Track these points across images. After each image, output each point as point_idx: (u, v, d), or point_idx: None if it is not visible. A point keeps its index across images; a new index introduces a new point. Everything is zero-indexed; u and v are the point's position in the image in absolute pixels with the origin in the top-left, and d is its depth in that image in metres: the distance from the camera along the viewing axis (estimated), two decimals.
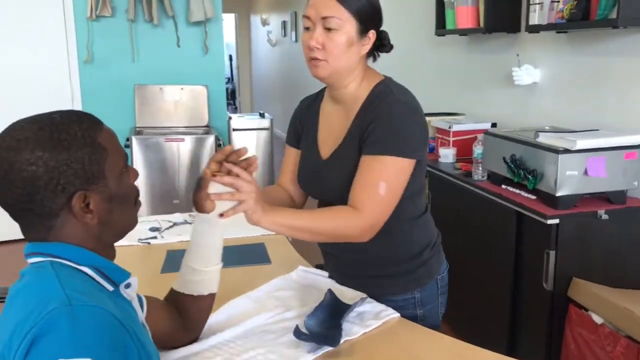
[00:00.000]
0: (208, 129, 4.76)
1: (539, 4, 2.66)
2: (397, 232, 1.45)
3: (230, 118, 5.27)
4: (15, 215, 0.93)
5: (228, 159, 1.20)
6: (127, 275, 0.99)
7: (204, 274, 1.22)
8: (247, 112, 11.26)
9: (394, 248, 1.49)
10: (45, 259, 0.92)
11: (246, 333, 1.34)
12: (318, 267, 1.81)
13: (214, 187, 1.18)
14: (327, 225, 1.33)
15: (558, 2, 2.53)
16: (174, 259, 1.88)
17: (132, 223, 1.04)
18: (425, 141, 1.44)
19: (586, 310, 2.16)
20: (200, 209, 1.19)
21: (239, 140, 5.27)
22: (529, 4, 2.72)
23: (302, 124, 1.60)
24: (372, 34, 1.42)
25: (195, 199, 1.19)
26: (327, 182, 1.47)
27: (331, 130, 1.51)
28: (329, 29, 1.36)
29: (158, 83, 4.73)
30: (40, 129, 0.90)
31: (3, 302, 1.91)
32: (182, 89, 4.74)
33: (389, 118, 1.37)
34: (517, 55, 3.02)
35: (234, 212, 1.20)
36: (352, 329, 1.34)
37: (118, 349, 0.82)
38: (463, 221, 2.77)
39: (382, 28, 1.46)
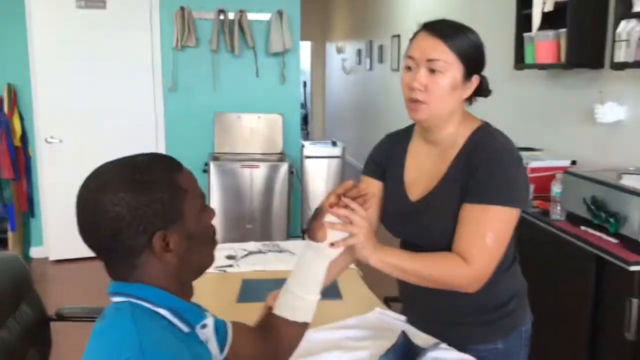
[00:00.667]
0: (282, 156, 4.86)
1: (625, 41, 2.58)
2: (487, 281, 1.40)
3: (303, 146, 5.36)
4: (99, 254, 0.98)
5: (347, 194, 1.23)
6: (203, 316, 1.02)
7: (302, 301, 1.23)
8: (318, 139, 11.41)
9: (481, 297, 1.44)
10: (125, 299, 0.96)
11: None
12: (387, 300, 1.81)
13: (329, 219, 1.22)
14: (436, 272, 1.33)
15: None
16: (249, 288, 1.93)
17: (209, 261, 1.07)
18: (528, 191, 1.41)
19: None
20: (313, 237, 1.22)
21: (311, 168, 5.34)
22: (614, 41, 2.65)
23: (387, 160, 1.58)
24: (475, 79, 1.40)
25: (310, 226, 1.22)
26: (417, 226, 1.46)
27: (421, 172, 1.49)
28: (433, 71, 1.35)
29: (236, 111, 4.89)
30: (122, 171, 0.95)
31: (92, 321, 2.02)
32: (259, 117, 4.88)
33: (497, 166, 1.35)
34: (600, 92, 2.93)
35: (345, 244, 1.22)
36: None
37: None
38: (538, 262, 2.69)
39: None
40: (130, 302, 0.96)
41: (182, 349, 0.92)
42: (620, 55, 2.62)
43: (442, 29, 1.35)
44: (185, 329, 0.99)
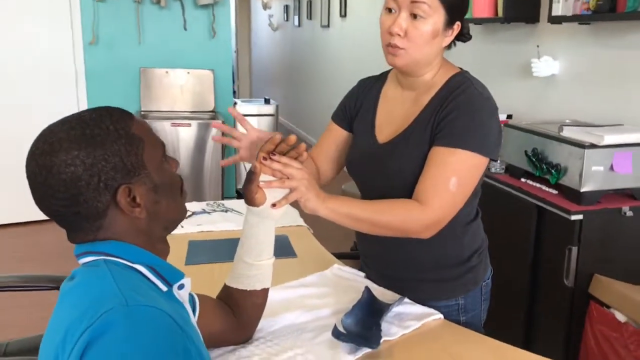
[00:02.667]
0: (214, 115, 4.69)
1: None
2: (448, 235, 1.38)
3: (235, 104, 5.20)
4: (61, 222, 0.90)
5: (277, 149, 1.16)
6: (181, 275, 0.96)
7: (258, 268, 1.19)
8: (245, 97, 11.18)
9: (443, 252, 1.43)
10: (97, 258, 0.89)
11: (282, 330, 1.30)
12: (337, 256, 1.78)
13: (264, 178, 1.15)
14: (389, 217, 1.27)
15: None
16: (196, 250, 1.84)
17: (180, 213, 1.00)
18: (500, 142, 1.35)
19: (608, 307, 2.14)
20: (251, 202, 1.15)
21: (242, 127, 5.20)
22: None
23: (359, 105, 1.52)
24: (457, 26, 1.34)
25: (246, 192, 1.14)
26: (382, 168, 1.39)
27: (393, 116, 1.43)
28: (414, 16, 1.28)
29: (164, 66, 4.66)
30: (71, 129, 0.86)
31: (25, 290, 1.87)
32: (188, 73, 4.67)
33: (471, 111, 1.29)
34: (538, 46, 2.97)
35: (287, 201, 1.16)
36: (391, 330, 1.30)
37: (177, 352, 0.78)
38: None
39: None
40: (104, 259, 0.88)
41: (163, 302, 0.85)
42: (558, 9, 2.65)
43: None
44: (164, 287, 0.92)
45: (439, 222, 1.28)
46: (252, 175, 1.13)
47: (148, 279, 0.90)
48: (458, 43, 1.41)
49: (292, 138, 1.15)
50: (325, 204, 1.20)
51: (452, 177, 1.26)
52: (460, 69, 1.42)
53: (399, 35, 1.29)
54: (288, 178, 1.14)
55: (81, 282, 0.86)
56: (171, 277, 0.94)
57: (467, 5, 1.35)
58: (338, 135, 1.55)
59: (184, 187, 1.02)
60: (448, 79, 1.37)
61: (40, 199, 0.88)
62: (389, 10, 1.31)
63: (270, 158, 1.14)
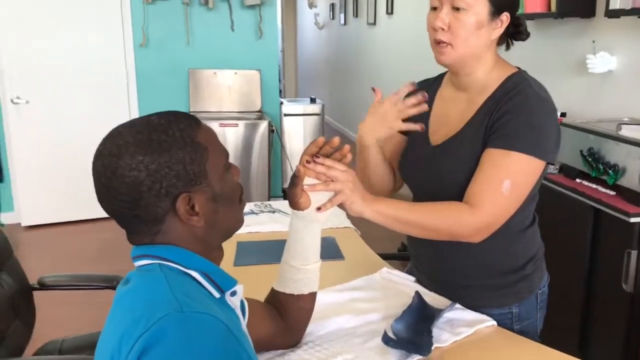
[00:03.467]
0: (261, 114, 4.72)
1: None
2: (502, 241, 1.34)
3: (281, 103, 5.23)
4: (121, 222, 0.91)
5: (321, 152, 1.14)
6: (234, 282, 0.96)
7: (305, 272, 1.18)
8: (291, 97, 11.23)
9: (496, 258, 1.38)
10: (153, 262, 0.89)
11: (330, 335, 1.29)
12: (383, 257, 1.76)
13: (308, 182, 1.13)
14: (438, 221, 1.24)
15: None
16: (245, 251, 1.85)
17: (238, 222, 1.00)
18: (559, 144, 1.30)
19: None
20: (296, 206, 1.14)
21: (289, 126, 5.23)
22: None
23: None
24: (505, 17, 1.29)
25: (290, 196, 1.13)
26: (435, 171, 1.36)
27: (447, 118, 1.39)
28: (457, 9, 1.25)
29: (212, 67, 4.72)
30: (138, 132, 0.87)
31: (76, 289, 1.92)
32: (235, 73, 4.72)
33: (527, 112, 1.25)
34: (593, 41, 2.86)
35: (332, 204, 1.14)
36: (442, 336, 1.27)
37: (230, 359, 0.78)
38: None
39: None
40: (160, 264, 0.89)
41: (217, 310, 0.85)
42: (617, 3, 2.55)
43: None
44: (217, 293, 0.92)
45: (490, 226, 1.24)
46: (295, 179, 1.12)
47: (202, 285, 0.90)
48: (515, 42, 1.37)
49: (336, 140, 1.13)
50: (372, 206, 1.18)
51: (506, 180, 1.22)
52: (518, 68, 1.37)
53: (443, 29, 1.27)
54: (332, 181, 1.13)
55: (136, 287, 0.87)
56: (224, 283, 0.94)
57: None
58: (400, 139, 1.51)
59: (243, 197, 1.02)
60: (504, 80, 1.32)
61: (102, 197, 0.89)
62: (434, 8, 1.29)
63: (314, 161, 1.12)
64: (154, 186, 0.86)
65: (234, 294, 0.96)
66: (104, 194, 0.88)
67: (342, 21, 8.39)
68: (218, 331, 0.79)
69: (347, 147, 1.15)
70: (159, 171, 0.85)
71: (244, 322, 1.03)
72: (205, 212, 0.91)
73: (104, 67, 4.59)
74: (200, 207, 0.90)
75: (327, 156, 1.14)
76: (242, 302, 1.07)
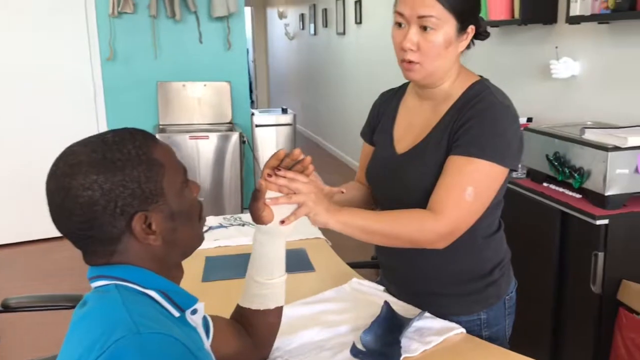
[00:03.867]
0: (232, 126, 4.70)
1: None
2: (468, 248, 1.35)
3: (252, 114, 5.21)
4: (76, 243, 0.89)
5: (282, 164, 1.13)
6: (194, 300, 0.94)
7: (270, 287, 1.16)
8: (264, 107, 11.21)
9: (463, 265, 1.39)
10: (110, 282, 0.87)
11: (299, 349, 1.27)
12: (352, 266, 1.76)
13: (270, 195, 1.12)
14: (402, 229, 1.24)
15: None
16: (213, 267, 1.83)
17: (197, 240, 0.99)
18: (522, 151, 1.31)
19: (638, 314, 2.07)
20: (259, 220, 1.12)
21: (261, 137, 5.21)
22: None
23: (379, 118, 1.50)
24: (470, 29, 1.30)
25: (253, 210, 1.12)
26: (400, 179, 1.37)
27: (412, 126, 1.40)
28: (425, 28, 1.25)
29: (181, 80, 4.68)
30: (93, 151, 0.85)
31: (42, 310, 1.87)
32: (205, 85, 4.69)
33: (489, 119, 1.25)
34: (556, 47, 2.91)
35: (295, 217, 1.13)
36: (411, 346, 1.26)
37: None
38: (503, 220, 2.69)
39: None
40: (116, 284, 0.87)
41: (176, 328, 0.83)
42: (576, 9, 2.60)
43: None
44: (176, 312, 0.90)
45: (454, 232, 1.25)
46: (257, 193, 1.10)
47: (160, 304, 0.89)
48: (477, 44, 1.38)
49: (297, 152, 1.12)
50: (336, 217, 1.17)
51: (468, 187, 1.23)
52: (480, 76, 1.38)
53: (412, 50, 1.27)
54: (295, 193, 1.12)
55: (92, 309, 0.85)
56: (184, 302, 0.92)
57: (478, 7, 1.31)
58: (370, 152, 1.52)
59: (202, 213, 1.00)
60: (467, 88, 1.33)
61: (56, 218, 0.87)
62: (399, 25, 1.29)
63: (275, 174, 1.11)
64: (108, 205, 0.84)
65: (194, 312, 0.94)
66: (58, 215, 0.87)
67: (312, 31, 8.42)
68: (176, 351, 0.77)
69: (308, 158, 1.15)
70: (114, 190, 0.84)
71: (207, 341, 1.01)
72: (163, 231, 0.89)
73: (71, 83, 4.52)
74: (157, 226, 0.88)
75: (289, 168, 1.13)
76: (206, 320, 1.06)
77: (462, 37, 1.30)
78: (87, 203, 0.83)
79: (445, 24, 1.24)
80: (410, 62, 1.28)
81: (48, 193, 0.87)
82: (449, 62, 1.31)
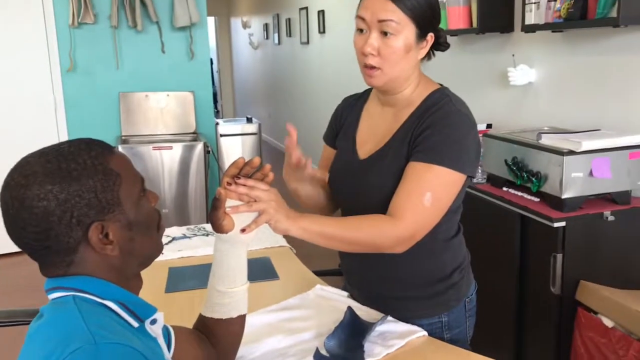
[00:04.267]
0: (196, 136, 4.67)
1: (535, 3, 2.63)
2: (428, 252, 1.37)
3: (217, 123, 5.19)
4: (32, 255, 0.88)
5: (241, 172, 1.13)
6: (153, 310, 0.93)
7: (232, 295, 1.16)
8: (229, 117, 11.17)
9: (424, 268, 1.41)
10: (67, 294, 0.86)
11: (263, 357, 1.28)
12: (317, 274, 1.77)
13: (230, 204, 1.12)
14: (361, 234, 1.25)
15: (555, 1, 2.50)
16: (177, 277, 1.81)
17: (156, 250, 0.98)
18: (479, 158, 1.35)
19: (595, 313, 2.13)
20: (219, 229, 1.12)
21: (226, 147, 5.19)
22: (524, 4, 2.69)
23: (342, 123, 1.52)
24: (430, 37, 1.33)
25: (213, 219, 1.11)
26: (362, 183, 1.38)
27: (374, 132, 1.43)
28: (385, 33, 1.27)
29: (143, 90, 4.64)
30: (47, 162, 0.84)
31: (27, 324, 1.83)
32: (168, 95, 4.66)
33: (448, 127, 1.29)
34: (513, 55, 2.99)
35: (256, 224, 1.12)
36: (374, 350, 1.28)
37: None
38: (463, 224, 2.73)
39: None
40: (73, 296, 0.86)
41: (134, 339, 0.83)
42: (531, 18, 2.67)
43: None
44: (135, 323, 0.89)
45: (412, 237, 1.27)
46: (217, 201, 1.09)
47: (118, 315, 0.88)
48: (437, 53, 1.41)
49: (256, 160, 1.12)
50: (297, 223, 1.17)
51: (427, 192, 1.25)
52: (440, 85, 1.42)
53: (373, 54, 1.29)
54: (255, 201, 1.12)
55: (48, 321, 0.84)
56: (143, 312, 0.91)
57: (438, 16, 1.34)
58: (331, 155, 1.53)
59: (161, 223, 0.99)
60: (427, 96, 1.36)
61: (11, 230, 0.86)
62: (360, 30, 1.31)
63: (235, 182, 1.11)
64: (64, 216, 0.83)
65: (154, 322, 0.93)
66: (12, 227, 0.85)
67: (277, 41, 8.44)
68: None
69: (268, 166, 1.15)
70: (69, 200, 0.83)
71: (167, 352, 1.00)
72: (120, 241, 0.89)
73: (31, 95, 4.44)
74: (114, 236, 0.87)
75: (249, 176, 1.13)
76: (167, 330, 1.05)
77: (422, 44, 1.33)
78: (42, 213, 0.82)
79: (404, 29, 1.27)
80: (371, 67, 1.31)
81: (2, 204, 0.85)
82: (409, 68, 1.33)
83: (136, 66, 4.67)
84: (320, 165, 1.58)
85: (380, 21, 1.27)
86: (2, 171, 0.92)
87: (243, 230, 1.12)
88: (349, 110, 1.52)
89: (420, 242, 1.29)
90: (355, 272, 1.53)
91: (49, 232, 0.83)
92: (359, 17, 1.30)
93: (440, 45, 1.38)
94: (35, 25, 4.38)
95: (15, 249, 0.87)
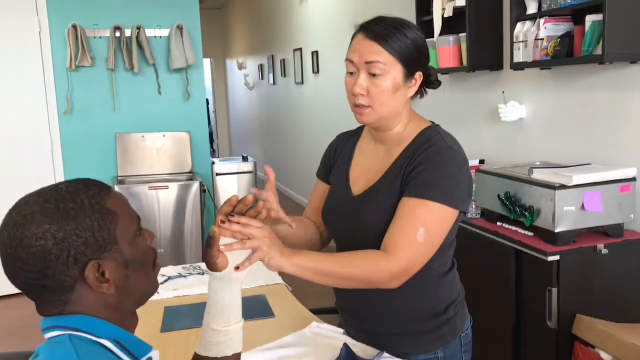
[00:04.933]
0: (192, 175, 4.70)
1: (523, 42, 2.70)
2: (423, 287, 1.38)
3: (213, 163, 5.22)
4: (29, 294, 0.89)
5: (235, 210, 1.14)
6: (148, 349, 0.94)
7: (227, 334, 1.15)
8: (225, 156, 11.23)
9: (419, 304, 1.42)
10: (63, 333, 0.87)
11: None
12: (314, 312, 1.77)
13: (224, 241, 1.13)
14: (355, 270, 1.25)
15: (542, 40, 2.57)
16: (173, 316, 1.81)
17: (152, 288, 0.99)
18: (471, 194, 1.37)
19: (593, 347, 2.13)
20: (213, 267, 1.12)
21: (222, 186, 5.22)
22: (512, 43, 2.76)
23: (335, 159, 1.55)
24: (418, 76, 1.37)
25: (207, 257, 1.11)
26: (356, 220, 1.40)
27: (367, 169, 1.45)
28: (373, 75, 1.32)
29: (140, 131, 4.69)
30: (46, 202, 0.86)
31: None
32: (164, 136, 4.70)
33: (440, 164, 1.32)
34: (503, 92, 3.05)
35: (250, 262, 1.13)
36: None
37: None
38: (458, 260, 2.74)
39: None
40: (70, 335, 0.86)
41: None
42: (520, 56, 2.74)
43: (378, 30, 1.32)
44: None
45: (406, 272, 1.28)
46: (211, 240, 1.10)
47: (114, 354, 0.89)
48: (430, 91, 1.44)
49: (249, 198, 1.14)
50: (290, 260, 1.18)
51: (420, 228, 1.27)
52: (432, 122, 1.45)
53: (362, 94, 1.33)
54: (249, 238, 1.12)
55: None
56: (138, 351, 0.92)
57: (426, 56, 1.38)
58: (325, 191, 1.56)
59: (157, 261, 1.01)
60: (419, 133, 1.40)
61: (9, 270, 0.87)
62: (350, 73, 1.36)
63: (229, 220, 1.12)
64: (61, 255, 0.84)
65: None
66: (10, 266, 0.86)
67: (272, 81, 8.56)
68: None
69: (261, 204, 1.16)
70: (67, 239, 0.84)
71: None
72: (116, 279, 0.90)
73: (28, 136, 4.48)
74: (110, 274, 0.89)
75: (242, 214, 1.15)
76: None
77: (411, 83, 1.36)
78: (40, 253, 0.84)
79: (392, 69, 1.31)
80: (362, 106, 1.35)
81: (0, 245, 0.87)
82: (399, 106, 1.37)
83: (133, 107, 4.73)
84: (311, 201, 1.60)
85: (368, 63, 1.31)
86: (1, 210, 0.94)
87: (237, 268, 1.12)
88: (343, 146, 1.56)
89: (415, 278, 1.30)
90: (350, 309, 1.54)
91: (47, 271, 0.84)
92: (349, 60, 1.35)
93: (431, 83, 1.42)
94: (34, 68, 4.46)
95: (11, 291, 0.88)
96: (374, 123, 1.38)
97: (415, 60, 1.34)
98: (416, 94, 1.42)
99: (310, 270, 1.21)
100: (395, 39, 1.31)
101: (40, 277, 0.85)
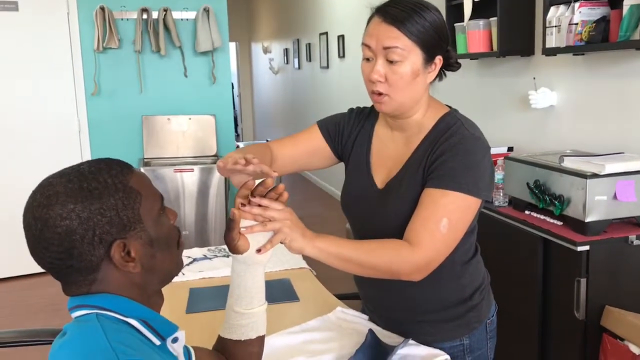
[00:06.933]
0: (217, 159, 4.71)
1: (556, 26, 2.63)
2: (447, 275, 1.36)
3: (237, 146, 5.23)
4: (55, 274, 0.89)
5: (255, 192, 1.12)
6: (175, 328, 0.94)
7: (250, 317, 1.15)
8: (249, 140, 11.27)
9: (443, 292, 1.40)
10: (90, 312, 0.87)
11: None
12: (339, 297, 1.75)
13: (245, 224, 1.11)
14: (378, 259, 1.23)
15: (576, 24, 2.50)
16: (197, 298, 1.82)
17: (176, 267, 0.99)
18: (494, 181, 1.32)
19: (622, 340, 2.08)
20: (234, 250, 1.10)
21: None
22: (545, 27, 2.69)
23: (352, 137, 1.48)
24: (438, 60, 1.32)
25: (228, 240, 1.10)
26: (379, 211, 1.37)
27: (386, 158, 1.41)
28: (391, 61, 1.26)
29: (166, 113, 4.71)
30: (69, 182, 0.86)
31: (26, 345, 1.84)
32: (189, 118, 4.72)
33: (462, 153, 1.28)
34: (534, 78, 2.99)
35: (271, 244, 1.11)
36: None
37: None
38: (485, 248, 2.70)
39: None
40: (96, 313, 0.87)
41: (156, 357, 0.84)
42: (552, 41, 2.67)
43: (396, 13, 1.25)
44: (157, 341, 0.90)
45: (430, 264, 1.25)
46: (231, 222, 1.08)
47: (141, 332, 0.89)
48: (457, 77, 1.39)
49: (269, 181, 1.11)
50: (312, 242, 1.16)
51: (444, 218, 1.24)
52: (450, 107, 1.41)
53: (380, 81, 1.28)
54: (270, 221, 1.11)
55: (72, 338, 0.84)
56: (165, 330, 0.92)
57: (445, 38, 1.32)
58: (316, 142, 1.49)
59: (181, 240, 1.00)
60: (438, 120, 1.35)
61: (34, 250, 0.87)
62: (367, 59, 1.31)
63: (249, 202, 1.11)
64: (86, 234, 0.84)
65: (175, 340, 0.93)
66: (36, 247, 0.86)
67: (297, 65, 8.53)
68: None
69: (281, 186, 1.14)
70: (91, 219, 0.84)
71: None
72: (142, 258, 0.89)
73: (55, 118, 4.53)
74: (136, 253, 0.88)
75: (262, 196, 1.13)
76: (188, 350, 1.05)
77: (430, 68, 1.31)
78: (65, 233, 0.83)
79: (410, 54, 1.26)
80: (380, 94, 1.30)
81: (25, 226, 0.87)
82: (418, 93, 1.32)
83: (159, 90, 4.75)
84: (292, 140, 1.50)
85: (386, 48, 1.26)
86: (26, 190, 0.94)
87: (259, 251, 1.11)
88: (358, 127, 1.49)
89: (439, 267, 1.28)
90: (372, 297, 1.52)
91: (72, 251, 0.84)
92: (365, 45, 1.30)
93: (450, 65, 1.36)
94: (62, 49, 4.49)
95: (37, 270, 0.88)
96: (393, 112, 1.34)
97: (434, 44, 1.29)
98: (435, 77, 1.36)
99: (332, 255, 1.19)
100: (413, 22, 1.25)
101: (66, 257, 0.85)
